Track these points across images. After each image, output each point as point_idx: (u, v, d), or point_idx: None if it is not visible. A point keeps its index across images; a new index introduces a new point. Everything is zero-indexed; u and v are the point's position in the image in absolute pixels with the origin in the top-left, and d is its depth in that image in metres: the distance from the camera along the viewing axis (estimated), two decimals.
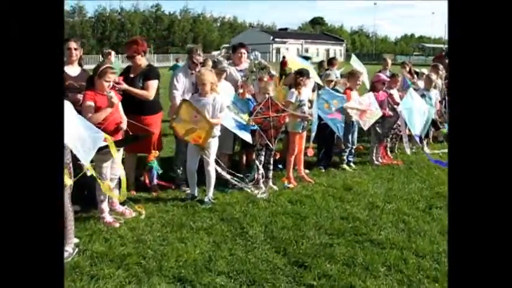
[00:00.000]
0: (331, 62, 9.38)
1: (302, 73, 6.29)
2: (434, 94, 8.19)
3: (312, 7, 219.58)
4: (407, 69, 10.30)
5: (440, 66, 9.29)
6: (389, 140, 7.98)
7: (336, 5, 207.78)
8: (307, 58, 8.49)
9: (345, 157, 7.20)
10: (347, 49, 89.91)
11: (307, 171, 6.80)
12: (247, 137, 5.90)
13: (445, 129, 10.58)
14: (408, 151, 7.85)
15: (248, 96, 6.25)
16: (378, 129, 7.35)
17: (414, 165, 7.41)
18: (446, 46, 46.97)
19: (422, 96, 7.94)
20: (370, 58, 63.73)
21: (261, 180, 5.99)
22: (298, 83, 6.21)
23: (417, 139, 7.70)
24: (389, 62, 10.63)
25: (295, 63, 7.10)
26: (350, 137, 7.19)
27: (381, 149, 7.61)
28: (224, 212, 5.16)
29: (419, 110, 7.62)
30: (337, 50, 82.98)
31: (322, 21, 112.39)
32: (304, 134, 6.43)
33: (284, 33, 79.89)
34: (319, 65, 9.33)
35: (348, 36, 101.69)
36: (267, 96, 5.75)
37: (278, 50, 66.53)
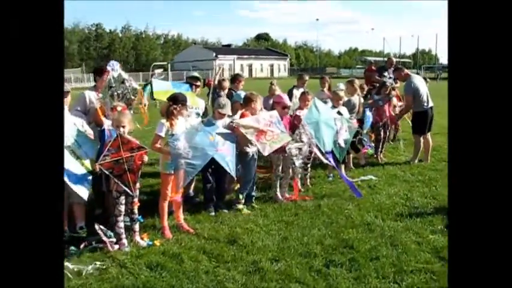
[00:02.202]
0: (235, 79, 7.83)
1: (177, 99, 5.13)
2: (344, 111, 7.20)
3: (258, 24, 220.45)
4: (327, 85, 9.33)
5: (356, 81, 8.37)
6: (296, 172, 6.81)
7: (280, 21, 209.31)
8: (196, 78, 7.10)
9: (242, 196, 6.03)
10: (291, 64, 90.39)
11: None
12: (83, 192, 4.67)
13: (370, 149, 9.58)
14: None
15: (107, 124, 5.00)
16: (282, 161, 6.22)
17: (325, 200, 6.31)
18: (384, 59, 47.69)
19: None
20: (315, 72, 63.93)
21: (122, 236, 4.75)
22: (171, 112, 5.04)
23: (330, 158, 6.58)
24: (307, 78, 9.53)
25: (163, 94, 5.96)
26: (250, 169, 6.05)
27: (291, 184, 6.49)
28: None
29: (326, 122, 6.53)
30: (282, 65, 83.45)
31: (268, 36, 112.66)
32: (181, 173, 5.20)
33: (227, 50, 79.43)
34: (219, 84, 7.89)
35: (292, 51, 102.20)
36: (120, 131, 4.55)
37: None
